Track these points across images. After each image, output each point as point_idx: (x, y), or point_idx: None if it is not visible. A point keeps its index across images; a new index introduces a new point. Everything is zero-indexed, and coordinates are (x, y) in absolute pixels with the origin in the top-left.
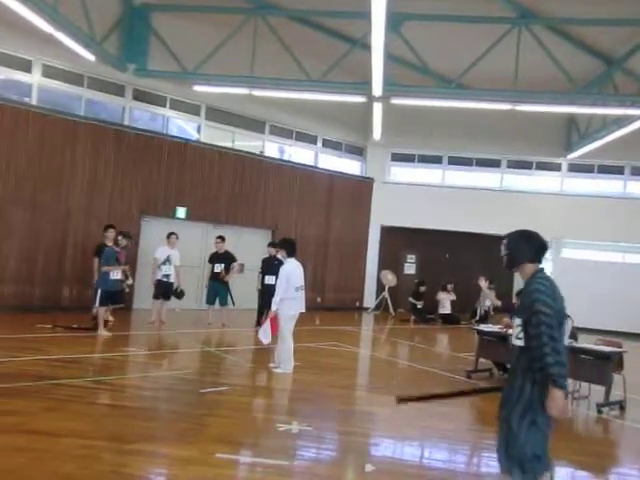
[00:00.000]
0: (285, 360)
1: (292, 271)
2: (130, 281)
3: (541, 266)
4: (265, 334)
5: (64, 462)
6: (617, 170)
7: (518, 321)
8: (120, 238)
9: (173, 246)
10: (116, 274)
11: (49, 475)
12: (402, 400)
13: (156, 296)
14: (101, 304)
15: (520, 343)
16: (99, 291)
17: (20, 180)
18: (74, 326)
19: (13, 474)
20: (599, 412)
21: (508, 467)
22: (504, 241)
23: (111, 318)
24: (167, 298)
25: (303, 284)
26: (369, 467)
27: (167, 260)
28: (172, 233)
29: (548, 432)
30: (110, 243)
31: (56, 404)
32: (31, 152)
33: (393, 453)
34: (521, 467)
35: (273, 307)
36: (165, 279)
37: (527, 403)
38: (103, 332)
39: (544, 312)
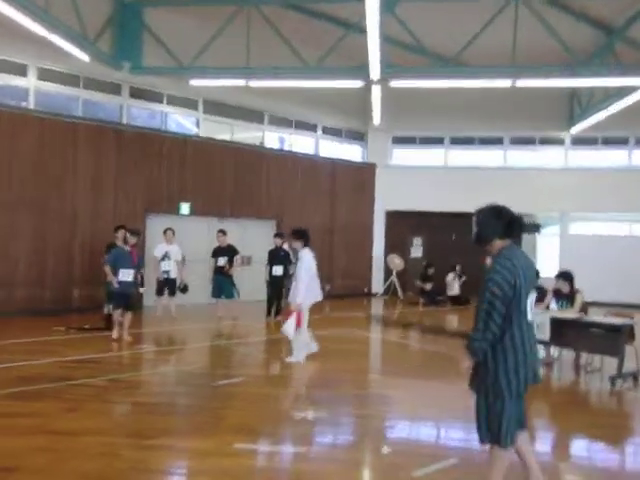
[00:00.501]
0: (299, 349)
1: (312, 260)
2: (143, 289)
3: (510, 242)
4: (290, 328)
5: (85, 461)
6: (621, 141)
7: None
8: (129, 236)
9: (170, 242)
10: (126, 275)
11: (70, 474)
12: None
13: (158, 292)
14: (116, 307)
15: None
16: (111, 293)
17: (24, 184)
18: (86, 327)
19: (35, 474)
20: (612, 384)
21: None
22: (474, 217)
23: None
24: (172, 294)
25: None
26: (386, 449)
27: (166, 256)
28: (168, 229)
29: (498, 407)
30: (120, 243)
31: (74, 404)
32: (33, 156)
33: (409, 434)
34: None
35: (299, 300)
36: (165, 275)
37: (484, 377)
38: (116, 333)
39: (493, 292)
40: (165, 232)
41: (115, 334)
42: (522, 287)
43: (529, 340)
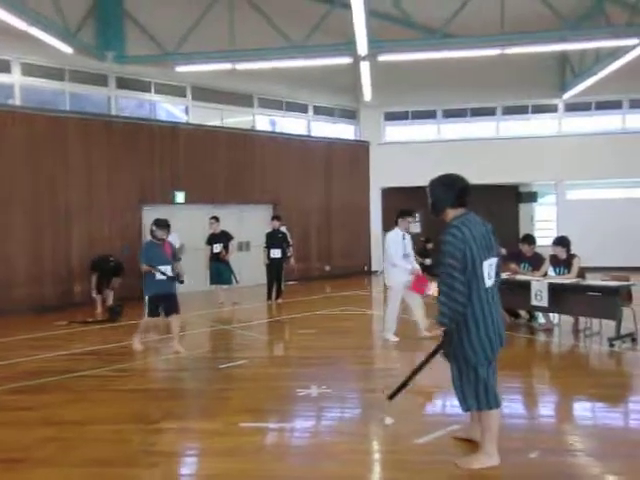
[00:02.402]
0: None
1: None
2: (183, 279)
3: (464, 211)
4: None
5: (93, 448)
6: (615, 105)
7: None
8: (154, 229)
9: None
10: (163, 272)
11: (80, 461)
12: (392, 397)
13: None
14: (150, 314)
15: None
16: (146, 299)
17: (16, 182)
18: (89, 320)
19: (44, 463)
20: (611, 346)
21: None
22: (427, 189)
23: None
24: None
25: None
26: (389, 420)
27: None
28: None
29: (472, 375)
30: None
31: (81, 395)
32: (23, 153)
33: (412, 405)
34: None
35: (417, 265)
36: None
37: (454, 346)
38: (138, 345)
39: (448, 263)
40: None
41: (137, 343)
42: (475, 256)
43: (490, 308)
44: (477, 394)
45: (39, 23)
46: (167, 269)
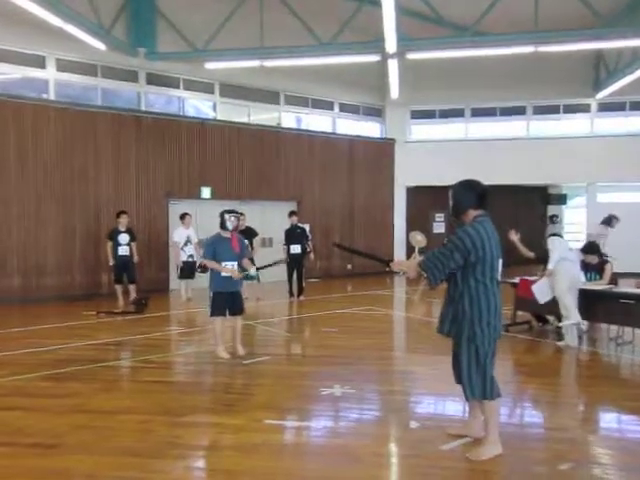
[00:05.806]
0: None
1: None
2: (253, 271)
3: (483, 212)
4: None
5: (123, 437)
6: None
7: None
8: (232, 218)
9: (188, 226)
10: (230, 269)
11: (111, 450)
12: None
13: (183, 277)
14: (214, 313)
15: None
16: (212, 295)
17: (49, 175)
18: (115, 311)
19: (78, 450)
20: None
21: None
22: (450, 191)
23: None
24: (192, 277)
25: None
26: (414, 424)
27: (188, 241)
28: (186, 213)
29: (479, 358)
30: (123, 228)
31: (109, 384)
32: (55, 146)
33: (435, 410)
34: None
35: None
36: (190, 259)
37: (461, 326)
38: (223, 353)
39: (456, 245)
40: (183, 217)
41: (222, 351)
42: (494, 252)
43: (497, 300)
44: (484, 383)
45: (74, 20)
46: (234, 265)
